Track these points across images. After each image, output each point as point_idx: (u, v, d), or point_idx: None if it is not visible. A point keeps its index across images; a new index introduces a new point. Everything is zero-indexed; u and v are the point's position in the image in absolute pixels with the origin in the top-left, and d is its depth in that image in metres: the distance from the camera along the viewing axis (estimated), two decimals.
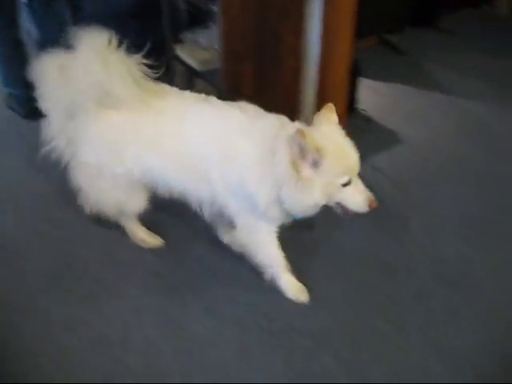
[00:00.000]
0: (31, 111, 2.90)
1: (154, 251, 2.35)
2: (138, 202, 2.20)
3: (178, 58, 2.70)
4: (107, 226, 2.34)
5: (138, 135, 2.01)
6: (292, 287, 2.13)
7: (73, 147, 2.10)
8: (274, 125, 1.90)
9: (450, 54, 4.11)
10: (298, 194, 1.81)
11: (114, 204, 2.19)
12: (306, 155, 1.73)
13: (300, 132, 1.70)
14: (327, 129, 1.86)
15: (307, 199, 1.82)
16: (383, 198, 2.18)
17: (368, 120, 3.24)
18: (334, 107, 1.93)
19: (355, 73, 3.11)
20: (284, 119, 1.95)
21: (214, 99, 2.05)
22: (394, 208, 2.54)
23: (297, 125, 1.88)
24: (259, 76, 2.46)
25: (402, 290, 2.18)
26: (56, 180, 2.42)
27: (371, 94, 3.52)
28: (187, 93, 2.09)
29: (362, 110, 3.27)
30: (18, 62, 3.01)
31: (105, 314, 2.09)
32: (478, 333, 2.01)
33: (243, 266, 2.21)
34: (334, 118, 1.91)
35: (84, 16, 3.18)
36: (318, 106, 2.63)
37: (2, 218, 2.51)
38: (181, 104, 2.03)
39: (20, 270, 2.26)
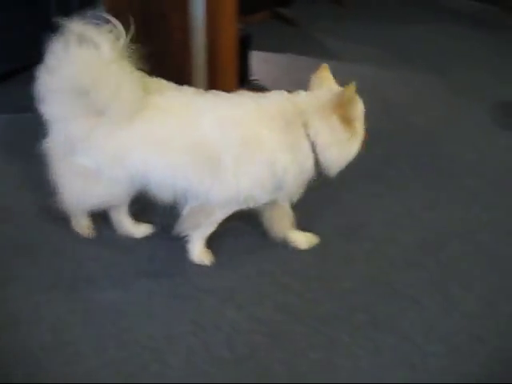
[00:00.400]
0: None
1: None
2: (122, 199, 2.16)
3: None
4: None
5: (145, 136, 1.93)
6: (199, 251, 2.22)
7: (70, 146, 1.97)
8: (282, 100, 1.98)
9: (341, 23, 4.29)
10: (349, 149, 1.95)
11: (96, 203, 2.16)
12: (352, 109, 1.90)
13: (350, 88, 1.85)
14: (331, 87, 2.02)
15: (354, 150, 1.97)
16: None
17: (261, 89, 3.34)
18: (327, 67, 2.07)
19: (246, 45, 3.23)
20: (282, 93, 2.01)
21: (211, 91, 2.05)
22: None
23: (302, 93, 2.00)
24: (146, 54, 2.52)
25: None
26: None
27: (264, 65, 3.67)
28: (184, 87, 2.06)
29: (255, 80, 3.37)
30: None
31: (16, 295, 2.12)
32: None
33: (146, 239, 2.33)
34: (331, 77, 2.07)
35: None
36: (210, 77, 2.78)
37: None
38: (183, 98, 1.99)
39: None
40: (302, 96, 2.00)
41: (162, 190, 2.02)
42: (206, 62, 2.80)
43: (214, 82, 2.85)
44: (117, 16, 2.31)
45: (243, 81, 3.26)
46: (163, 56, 2.61)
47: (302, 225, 2.32)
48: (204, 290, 2.11)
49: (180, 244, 2.25)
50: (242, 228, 2.37)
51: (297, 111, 1.94)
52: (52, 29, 2.36)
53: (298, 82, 1.96)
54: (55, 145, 2.02)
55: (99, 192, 2.08)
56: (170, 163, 1.95)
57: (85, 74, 1.83)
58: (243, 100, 2.00)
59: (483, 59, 3.91)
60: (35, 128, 2.05)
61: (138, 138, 1.92)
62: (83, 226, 2.32)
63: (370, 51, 3.83)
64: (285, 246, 2.29)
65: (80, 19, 1.83)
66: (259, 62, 3.60)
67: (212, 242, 2.27)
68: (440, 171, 2.78)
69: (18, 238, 2.36)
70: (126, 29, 1.96)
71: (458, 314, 2.06)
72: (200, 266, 2.22)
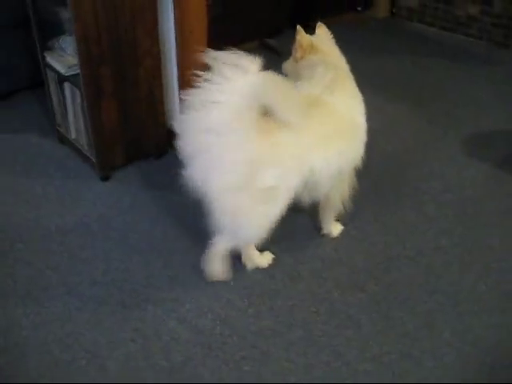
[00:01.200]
0: None
1: None
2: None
3: (48, 65, 2.89)
4: None
5: (316, 135, 2.09)
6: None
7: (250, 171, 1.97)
8: None
9: None
10: None
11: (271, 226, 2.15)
12: None
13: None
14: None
15: None
16: None
17: None
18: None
19: None
20: None
21: None
22: None
23: None
24: (119, 76, 2.67)
25: None
26: None
27: None
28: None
29: None
30: None
31: None
32: None
33: (110, 247, 2.49)
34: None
35: None
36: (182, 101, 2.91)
37: None
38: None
39: None
40: None
41: (324, 185, 2.23)
42: (177, 87, 2.95)
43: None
44: (88, 44, 2.50)
45: None
46: (136, 82, 2.77)
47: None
48: (150, 301, 2.23)
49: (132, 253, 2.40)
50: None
51: None
52: None
53: None
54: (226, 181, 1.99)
55: (276, 212, 2.11)
56: (337, 151, 2.16)
57: (269, 92, 1.98)
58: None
59: (465, 91, 3.98)
60: None
61: (313, 137, 2.07)
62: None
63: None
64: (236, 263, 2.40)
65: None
66: None
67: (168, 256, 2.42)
68: (403, 197, 2.86)
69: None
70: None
71: (394, 334, 2.13)
72: (148, 278, 2.34)
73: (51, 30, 2.85)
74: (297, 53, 2.34)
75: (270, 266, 2.40)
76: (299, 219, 2.64)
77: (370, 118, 2.32)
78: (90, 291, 2.28)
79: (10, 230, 2.63)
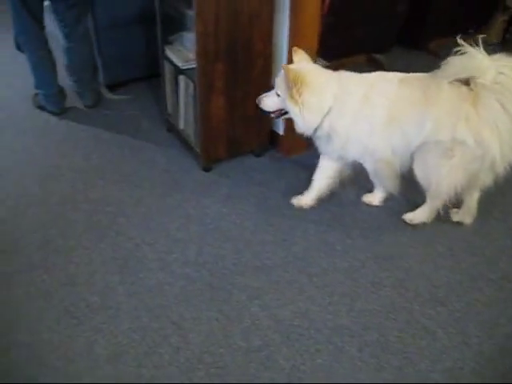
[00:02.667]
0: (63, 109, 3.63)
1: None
2: None
3: (166, 57, 3.10)
4: None
5: None
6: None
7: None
8: None
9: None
10: None
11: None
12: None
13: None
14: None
15: None
16: None
17: None
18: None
19: None
20: None
21: None
22: None
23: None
24: (231, 74, 2.83)
25: None
26: None
27: None
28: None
29: None
30: (51, 64, 3.50)
31: (75, 261, 2.48)
32: None
33: (205, 232, 2.64)
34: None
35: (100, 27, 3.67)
36: None
37: None
38: None
39: None
40: None
41: None
42: None
43: None
44: (206, 41, 2.66)
45: None
46: (246, 81, 2.92)
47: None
48: (236, 286, 2.35)
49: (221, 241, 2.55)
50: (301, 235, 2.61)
51: None
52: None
53: None
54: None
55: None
56: None
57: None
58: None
59: None
60: None
61: None
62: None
63: None
64: (324, 258, 2.51)
65: None
66: None
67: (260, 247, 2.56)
68: (497, 220, 2.83)
69: None
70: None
71: (469, 351, 2.14)
72: (236, 265, 2.47)
73: (172, 26, 3.05)
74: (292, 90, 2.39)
75: (354, 268, 2.46)
76: (392, 229, 2.70)
77: None
78: (181, 269, 2.44)
79: (114, 204, 2.84)
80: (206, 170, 3.07)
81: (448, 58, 2.35)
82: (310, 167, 2.83)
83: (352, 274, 2.44)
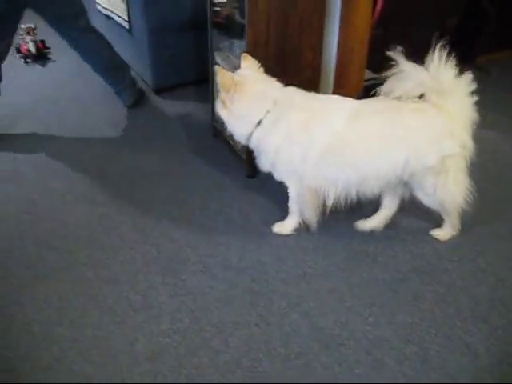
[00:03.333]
0: None
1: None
2: None
3: (215, 64, 3.14)
4: None
5: None
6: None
7: None
8: None
9: (482, 91, 4.32)
10: None
11: None
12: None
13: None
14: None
15: None
16: None
17: None
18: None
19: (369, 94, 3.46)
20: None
21: None
22: None
23: None
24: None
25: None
26: None
27: None
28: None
29: None
30: None
31: (119, 260, 2.54)
32: None
33: (247, 238, 2.67)
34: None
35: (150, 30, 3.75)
36: None
37: None
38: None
39: None
40: None
41: None
42: None
43: None
44: (256, 49, 2.70)
45: None
46: (292, 83, 2.93)
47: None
48: (277, 293, 2.37)
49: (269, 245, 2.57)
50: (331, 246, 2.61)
51: None
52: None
53: None
54: None
55: None
56: None
57: None
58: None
59: None
60: None
61: None
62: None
63: (507, 121, 3.88)
64: (365, 269, 2.50)
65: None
66: None
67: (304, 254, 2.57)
68: None
69: None
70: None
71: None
72: (278, 272, 2.48)
73: (223, 33, 3.10)
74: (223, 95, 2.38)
75: (396, 280, 2.45)
76: (434, 242, 2.68)
77: None
78: (223, 273, 2.46)
79: (158, 207, 2.89)
80: (251, 176, 3.10)
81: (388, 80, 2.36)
82: None
83: (393, 285, 2.42)
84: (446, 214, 2.60)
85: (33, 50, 4.94)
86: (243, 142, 2.53)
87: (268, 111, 2.37)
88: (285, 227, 2.69)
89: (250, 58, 2.48)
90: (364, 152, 2.35)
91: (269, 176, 3.02)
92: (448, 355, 2.14)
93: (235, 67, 2.95)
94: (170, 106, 3.94)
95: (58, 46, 4.95)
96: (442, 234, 2.68)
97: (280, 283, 2.41)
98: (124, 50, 4.44)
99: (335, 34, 2.87)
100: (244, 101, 2.36)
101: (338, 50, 2.90)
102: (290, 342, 2.15)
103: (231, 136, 3.19)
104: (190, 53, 3.94)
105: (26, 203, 2.97)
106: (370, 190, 2.45)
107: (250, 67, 2.45)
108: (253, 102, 2.37)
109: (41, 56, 4.99)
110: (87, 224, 2.78)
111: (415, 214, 2.79)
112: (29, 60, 4.93)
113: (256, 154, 2.57)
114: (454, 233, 2.67)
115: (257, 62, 2.47)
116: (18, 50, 4.92)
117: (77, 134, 3.65)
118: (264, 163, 2.54)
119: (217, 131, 3.42)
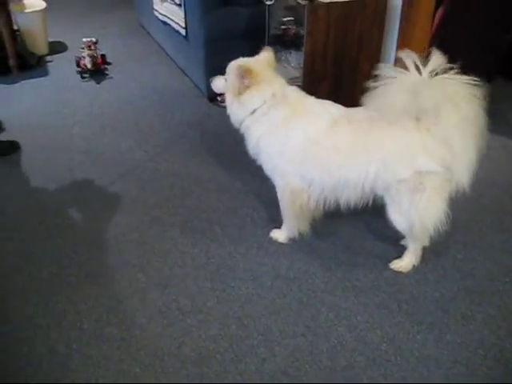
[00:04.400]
0: None
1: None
2: None
3: None
4: None
5: None
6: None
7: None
8: None
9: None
10: None
11: None
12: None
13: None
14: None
15: None
16: None
17: None
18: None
19: None
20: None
21: None
22: None
23: None
24: (335, 94, 2.85)
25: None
26: None
27: None
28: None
29: None
30: None
31: (169, 263, 2.58)
32: None
33: (297, 248, 2.67)
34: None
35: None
36: None
37: None
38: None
39: None
40: None
41: None
42: None
43: None
44: (314, 60, 2.71)
45: None
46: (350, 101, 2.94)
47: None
48: (325, 305, 2.36)
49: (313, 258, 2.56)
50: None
51: None
52: None
53: None
54: None
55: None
56: None
57: None
58: None
59: None
60: None
61: None
62: None
63: None
64: (415, 285, 2.47)
65: None
66: None
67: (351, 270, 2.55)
68: None
69: None
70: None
71: None
72: (327, 283, 2.48)
73: (279, 44, 3.12)
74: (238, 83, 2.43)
75: (446, 299, 2.42)
76: (486, 263, 2.63)
77: None
78: (271, 282, 2.47)
79: (210, 212, 2.93)
80: None
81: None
82: None
83: (442, 304, 2.39)
84: (413, 239, 2.51)
85: (89, 65, 4.75)
86: (236, 125, 2.59)
87: (264, 102, 2.44)
88: (279, 234, 2.73)
89: (270, 51, 2.56)
90: (336, 157, 2.36)
91: None
92: (497, 378, 2.10)
93: (292, 78, 2.99)
94: (224, 115, 3.96)
95: (119, 60, 5.10)
96: (404, 264, 2.56)
97: (328, 295, 2.41)
98: (180, 56, 4.53)
99: (393, 47, 2.85)
100: (252, 90, 2.43)
101: (396, 63, 2.88)
102: (337, 354, 2.14)
103: None
104: None
105: (79, 202, 3.04)
106: (347, 197, 2.45)
107: (266, 60, 2.53)
108: (257, 92, 2.43)
109: (98, 72, 4.83)
110: (138, 226, 2.83)
111: (467, 228, 2.76)
112: (85, 76, 4.81)
113: (245, 139, 2.62)
114: (415, 263, 2.57)
115: (274, 56, 2.56)
116: (78, 64, 4.82)
117: (132, 137, 3.72)
118: (250, 149, 2.61)
119: None
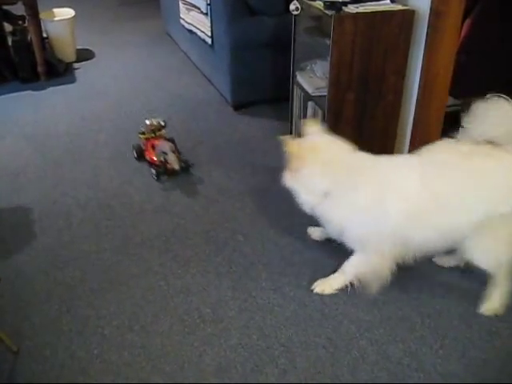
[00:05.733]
0: None
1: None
2: None
3: (297, 83, 3.16)
4: None
5: None
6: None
7: None
8: None
9: None
10: None
11: None
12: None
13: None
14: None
15: None
16: None
17: None
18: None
19: (455, 122, 3.40)
20: None
21: None
22: None
23: None
24: (360, 105, 2.86)
25: None
26: None
27: None
28: None
29: None
30: None
31: (191, 271, 2.59)
32: None
33: (320, 259, 2.65)
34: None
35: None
36: (412, 141, 3.00)
37: None
38: None
39: None
40: None
41: None
42: (411, 126, 3.06)
43: (417, 146, 3.06)
44: (339, 70, 2.71)
45: None
46: (374, 113, 2.93)
47: None
48: (347, 317, 2.34)
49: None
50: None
51: None
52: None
53: None
54: None
55: None
56: None
57: None
58: None
59: None
60: None
61: None
62: None
63: None
64: (439, 300, 2.44)
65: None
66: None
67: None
68: None
69: None
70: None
71: None
72: (351, 296, 2.45)
73: (305, 53, 3.12)
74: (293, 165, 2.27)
75: (470, 314, 2.38)
76: None
77: None
78: (293, 293, 2.46)
79: (232, 221, 2.94)
80: None
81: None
82: None
83: (467, 319, 2.36)
84: (497, 278, 2.33)
85: (176, 165, 3.25)
86: (307, 210, 2.39)
87: (335, 182, 2.25)
88: (329, 286, 2.48)
89: (312, 122, 2.38)
90: (443, 210, 2.18)
91: None
92: None
93: (318, 87, 2.98)
94: (248, 124, 3.99)
95: (144, 68, 5.13)
96: (489, 307, 2.38)
97: (350, 307, 2.39)
98: (205, 64, 4.56)
99: (420, 58, 2.83)
100: (311, 170, 2.25)
101: (422, 74, 2.86)
102: (358, 368, 2.12)
103: None
104: (270, 71, 3.99)
105: (105, 209, 3.06)
106: (447, 244, 2.28)
107: (316, 132, 2.35)
108: (320, 172, 2.25)
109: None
110: (162, 234, 2.83)
111: None
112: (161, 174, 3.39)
113: (322, 223, 2.43)
114: (501, 305, 2.37)
115: (320, 125, 2.36)
116: (153, 163, 3.39)
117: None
118: (332, 233, 2.44)
119: None
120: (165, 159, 3.23)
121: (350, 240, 2.37)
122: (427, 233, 2.23)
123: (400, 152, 3.16)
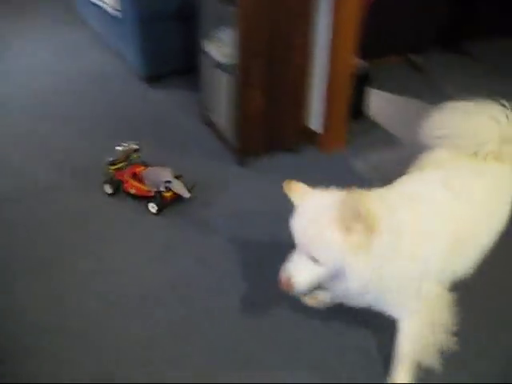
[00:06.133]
0: None
1: None
2: None
3: (206, 52, 3.16)
4: None
5: None
6: None
7: None
8: None
9: (469, 77, 4.34)
10: None
11: None
12: None
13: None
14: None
15: None
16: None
17: (373, 124, 3.66)
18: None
19: (364, 82, 3.50)
20: None
21: None
22: None
23: None
24: (269, 71, 2.87)
25: None
26: None
27: (382, 104, 3.92)
28: None
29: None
30: None
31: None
32: None
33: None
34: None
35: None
36: (324, 103, 3.06)
37: None
38: None
39: None
40: None
41: None
42: (321, 88, 3.13)
43: (328, 108, 3.17)
44: (246, 36, 2.71)
45: (358, 113, 3.59)
46: (283, 77, 2.97)
47: None
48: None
49: None
50: None
51: None
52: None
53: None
54: None
55: None
56: None
57: None
58: None
59: None
60: None
61: None
62: None
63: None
64: None
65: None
66: (378, 100, 3.88)
67: None
68: None
69: None
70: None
71: None
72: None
73: (212, 21, 3.11)
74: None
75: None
76: None
77: None
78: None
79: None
80: (241, 164, 3.11)
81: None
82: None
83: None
84: None
85: (185, 193, 2.75)
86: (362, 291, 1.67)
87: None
88: None
89: (297, 184, 1.73)
90: (483, 228, 1.93)
91: (261, 164, 3.00)
92: None
93: (226, 55, 2.97)
94: (160, 95, 3.95)
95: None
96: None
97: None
98: (114, 39, 4.46)
99: (326, 19, 2.88)
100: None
101: (329, 35, 2.90)
102: None
103: (221, 124, 3.22)
104: (179, 42, 3.96)
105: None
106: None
107: (304, 192, 1.70)
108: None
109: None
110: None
111: None
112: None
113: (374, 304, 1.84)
114: None
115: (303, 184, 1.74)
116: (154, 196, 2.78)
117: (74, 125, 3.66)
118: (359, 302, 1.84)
119: (207, 119, 3.46)
120: (167, 188, 2.75)
121: (393, 302, 1.84)
122: (469, 257, 1.92)
123: (311, 114, 3.25)
